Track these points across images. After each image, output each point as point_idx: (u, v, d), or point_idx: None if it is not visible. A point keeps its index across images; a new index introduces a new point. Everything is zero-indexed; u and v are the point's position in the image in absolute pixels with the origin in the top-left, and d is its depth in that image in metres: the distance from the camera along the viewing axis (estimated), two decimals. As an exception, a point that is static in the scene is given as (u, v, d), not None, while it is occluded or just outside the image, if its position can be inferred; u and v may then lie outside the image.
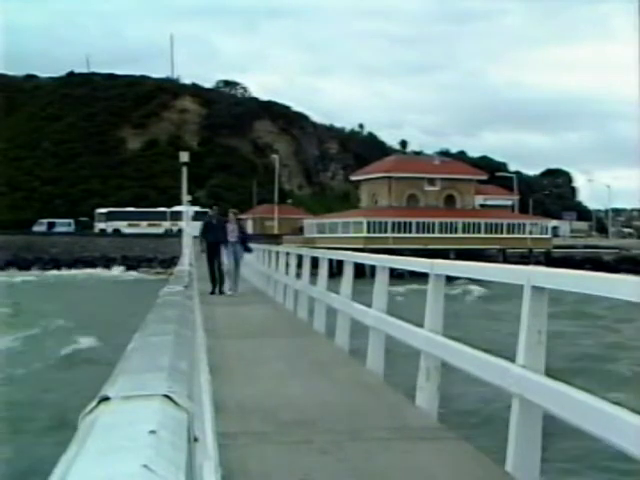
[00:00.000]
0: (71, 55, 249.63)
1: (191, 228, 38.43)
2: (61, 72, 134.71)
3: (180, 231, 47.24)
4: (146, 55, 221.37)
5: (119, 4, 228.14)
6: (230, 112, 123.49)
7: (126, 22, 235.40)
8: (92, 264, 70.89)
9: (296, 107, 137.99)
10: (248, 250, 21.40)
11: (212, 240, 19.91)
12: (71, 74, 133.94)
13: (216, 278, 20.17)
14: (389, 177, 78.07)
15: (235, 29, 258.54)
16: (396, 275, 12.71)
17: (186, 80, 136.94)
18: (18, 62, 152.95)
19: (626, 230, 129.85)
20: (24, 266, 69.07)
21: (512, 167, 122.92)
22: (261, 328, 13.57)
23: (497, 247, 72.37)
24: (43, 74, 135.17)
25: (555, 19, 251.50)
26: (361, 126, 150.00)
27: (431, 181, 78.93)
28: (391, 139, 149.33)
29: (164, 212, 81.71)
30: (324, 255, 13.93)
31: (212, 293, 19.76)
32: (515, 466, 5.12)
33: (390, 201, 77.58)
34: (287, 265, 18.01)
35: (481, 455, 5.69)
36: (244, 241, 20.68)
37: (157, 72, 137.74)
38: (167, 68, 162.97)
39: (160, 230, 78.99)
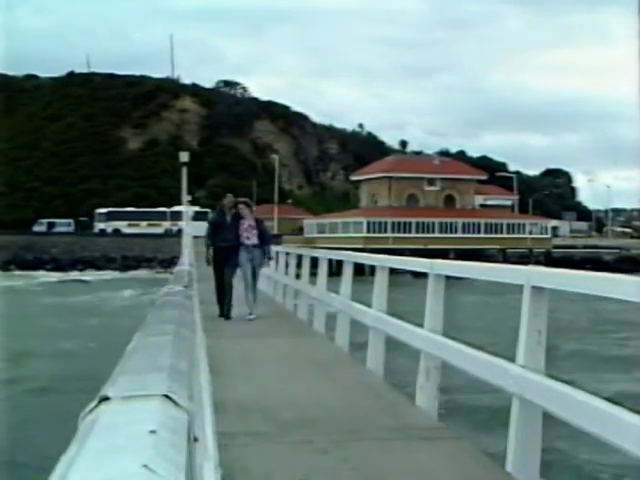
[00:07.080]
0: (71, 55, 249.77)
1: (191, 228, 38.49)
2: (61, 72, 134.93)
3: (180, 231, 47.25)
4: (148, 57, 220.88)
5: (122, 6, 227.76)
6: (230, 112, 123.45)
7: (129, 25, 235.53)
8: (92, 264, 70.91)
9: (296, 108, 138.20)
10: (268, 257, 14.80)
11: (221, 244, 14.26)
12: (71, 74, 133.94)
13: (224, 297, 14.50)
14: (389, 177, 78.11)
15: (238, 33, 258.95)
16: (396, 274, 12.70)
17: (186, 80, 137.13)
18: (18, 62, 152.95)
19: (623, 229, 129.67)
20: (24, 266, 69.03)
21: (512, 167, 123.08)
22: (261, 328, 13.55)
23: (497, 247, 72.44)
24: (43, 74, 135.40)
25: (555, 22, 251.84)
26: (361, 126, 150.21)
27: (431, 181, 78.98)
28: (391, 139, 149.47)
29: (164, 212, 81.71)
30: (324, 255, 13.92)
31: (221, 315, 14.42)
32: (515, 466, 5.11)
33: (390, 201, 77.62)
34: (287, 265, 18.00)
35: (481, 455, 5.68)
36: (264, 244, 14.50)
37: (159, 74, 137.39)
38: (169, 69, 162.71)
39: (160, 230, 78.99)
